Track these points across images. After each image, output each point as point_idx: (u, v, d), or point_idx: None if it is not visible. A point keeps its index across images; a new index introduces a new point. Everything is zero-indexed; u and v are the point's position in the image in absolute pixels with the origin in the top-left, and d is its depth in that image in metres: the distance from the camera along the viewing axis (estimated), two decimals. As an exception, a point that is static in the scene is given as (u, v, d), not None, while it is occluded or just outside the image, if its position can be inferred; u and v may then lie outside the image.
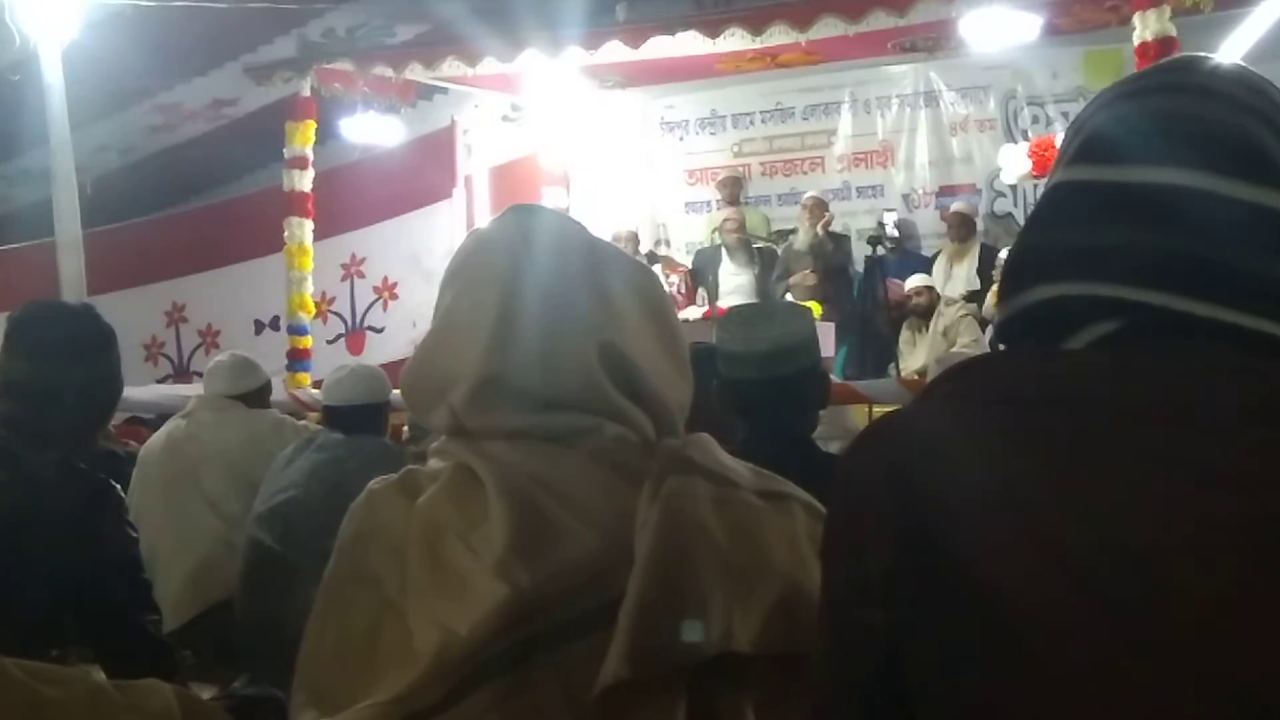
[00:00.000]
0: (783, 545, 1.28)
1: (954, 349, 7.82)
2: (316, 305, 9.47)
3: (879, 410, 6.33)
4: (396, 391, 3.92)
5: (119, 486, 2.66)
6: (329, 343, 10.04)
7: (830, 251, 9.07)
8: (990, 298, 7.85)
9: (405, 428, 5.04)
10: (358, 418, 3.94)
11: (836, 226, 9.39)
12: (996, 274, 7.59)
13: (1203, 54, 1.05)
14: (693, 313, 8.39)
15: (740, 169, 10.23)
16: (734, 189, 9.95)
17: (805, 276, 8.84)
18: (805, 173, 10.06)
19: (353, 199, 10.06)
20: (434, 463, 1.35)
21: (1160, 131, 0.97)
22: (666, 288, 9.10)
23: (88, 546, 2.43)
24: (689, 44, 8.30)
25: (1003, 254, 7.20)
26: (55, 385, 2.47)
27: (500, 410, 1.31)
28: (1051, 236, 0.99)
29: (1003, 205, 9.41)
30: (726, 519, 1.26)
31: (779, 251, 9.35)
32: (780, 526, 1.29)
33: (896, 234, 8.92)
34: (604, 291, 1.34)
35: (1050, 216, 1.01)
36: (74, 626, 2.47)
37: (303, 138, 9.12)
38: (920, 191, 9.72)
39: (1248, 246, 0.92)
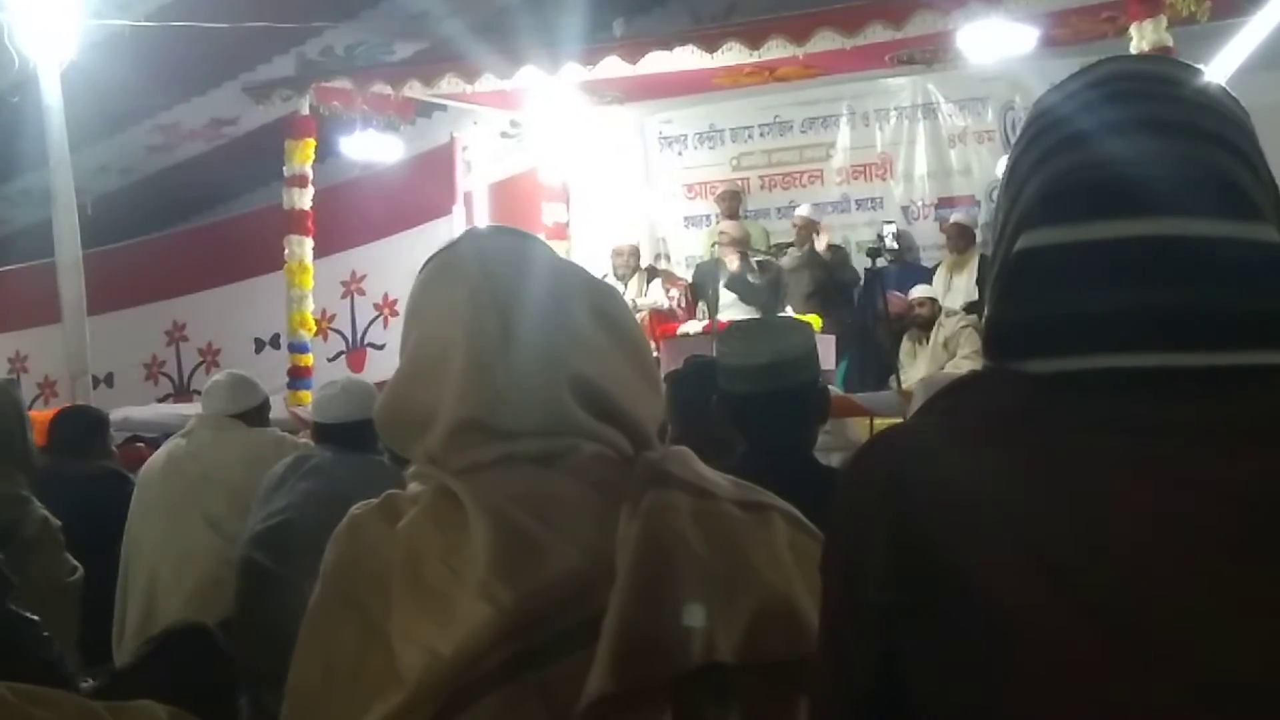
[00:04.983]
0: (763, 555, 1.28)
1: (955, 360, 7.82)
2: (317, 323, 9.49)
3: (880, 422, 6.34)
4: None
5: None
6: (330, 360, 10.04)
7: (828, 262, 9.08)
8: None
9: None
10: (350, 433, 3.93)
11: (835, 239, 9.40)
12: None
13: (1158, 71, 1.02)
14: (692, 326, 8.39)
15: (739, 183, 10.21)
16: (733, 203, 9.93)
17: (797, 281, 8.87)
18: (804, 186, 10.04)
19: (352, 216, 10.08)
20: (414, 486, 1.35)
21: (1123, 180, 0.94)
22: (667, 302, 9.15)
23: None
24: (686, 59, 8.32)
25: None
26: None
27: (478, 448, 1.31)
28: (1038, 305, 0.96)
29: (1002, 216, 9.40)
30: (706, 530, 1.26)
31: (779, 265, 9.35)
32: (760, 537, 1.29)
33: (896, 246, 8.91)
34: (567, 320, 1.34)
35: (1025, 285, 0.97)
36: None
37: (302, 156, 9.16)
38: (919, 203, 9.70)
39: (1245, 284, 0.91)
